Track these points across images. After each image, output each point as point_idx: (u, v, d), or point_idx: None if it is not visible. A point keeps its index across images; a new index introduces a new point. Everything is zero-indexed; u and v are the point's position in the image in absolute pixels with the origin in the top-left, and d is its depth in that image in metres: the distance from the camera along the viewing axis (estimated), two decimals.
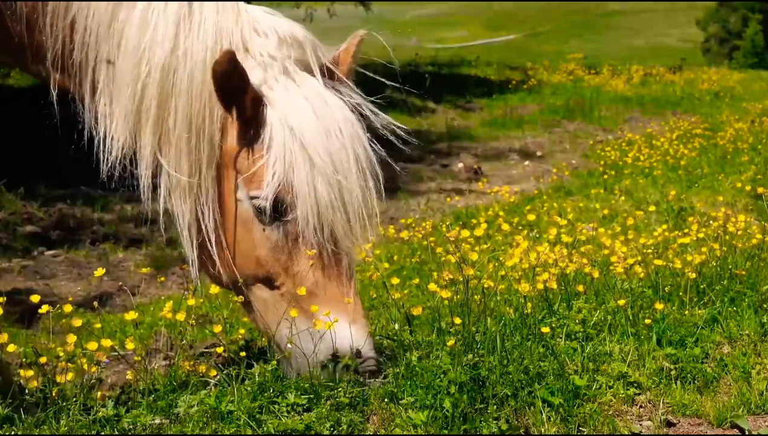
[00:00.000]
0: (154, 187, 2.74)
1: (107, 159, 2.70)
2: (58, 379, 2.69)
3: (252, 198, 2.68)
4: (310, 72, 2.79)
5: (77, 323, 2.72)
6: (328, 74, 2.84)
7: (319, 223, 2.64)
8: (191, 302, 3.05)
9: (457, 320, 3.00)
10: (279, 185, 2.62)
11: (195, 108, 2.64)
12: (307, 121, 2.65)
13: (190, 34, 2.64)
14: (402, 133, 2.91)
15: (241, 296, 2.84)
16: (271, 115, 2.66)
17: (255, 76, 2.67)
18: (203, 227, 2.72)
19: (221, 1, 2.72)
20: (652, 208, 7.46)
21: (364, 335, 2.69)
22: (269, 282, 2.74)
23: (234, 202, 2.72)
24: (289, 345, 2.69)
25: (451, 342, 2.91)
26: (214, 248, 2.72)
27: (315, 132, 2.65)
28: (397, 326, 3.29)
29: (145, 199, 2.70)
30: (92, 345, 2.72)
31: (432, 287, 3.42)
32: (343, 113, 2.75)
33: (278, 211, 2.65)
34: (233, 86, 2.59)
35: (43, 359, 2.71)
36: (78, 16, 2.66)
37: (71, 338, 2.68)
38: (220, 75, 2.56)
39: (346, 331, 2.64)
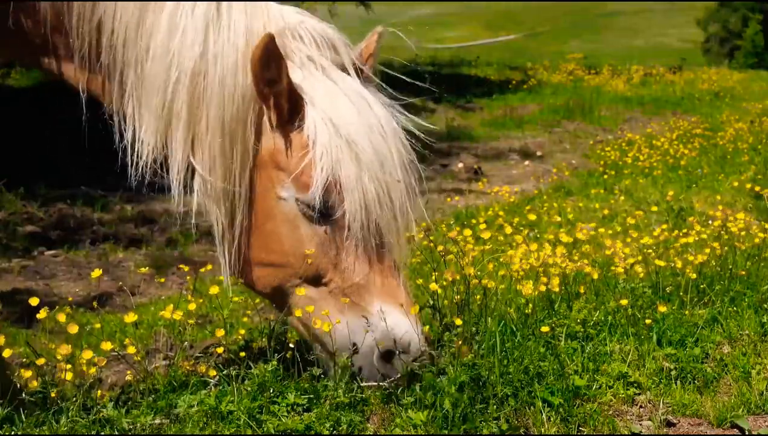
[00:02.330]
0: (186, 191, 2.69)
1: (136, 163, 2.65)
2: (58, 381, 2.68)
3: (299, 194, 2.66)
4: (345, 71, 2.77)
5: (73, 329, 2.68)
6: (359, 73, 2.83)
7: (366, 218, 2.63)
8: (192, 306, 3.04)
9: (458, 321, 3.00)
10: (327, 180, 2.59)
11: (228, 112, 2.59)
12: (349, 118, 2.64)
13: (219, 38, 2.59)
14: (430, 129, 2.91)
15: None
16: (313, 113, 2.63)
17: (294, 77, 2.64)
18: (241, 230, 2.68)
19: (249, 2, 2.67)
20: (653, 208, 7.46)
21: (419, 327, 2.68)
22: (316, 280, 2.71)
23: (275, 202, 2.68)
24: (339, 340, 2.65)
25: None
26: (254, 251, 2.69)
27: (358, 128, 2.64)
28: None
29: (177, 203, 2.66)
30: (87, 354, 2.69)
31: (433, 286, 3.42)
32: (382, 110, 2.75)
33: (326, 206, 2.63)
34: (272, 73, 2.54)
35: (41, 360, 2.68)
36: (104, 19, 2.62)
37: (65, 349, 2.64)
38: (258, 60, 2.51)
39: (401, 322, 2.62)
